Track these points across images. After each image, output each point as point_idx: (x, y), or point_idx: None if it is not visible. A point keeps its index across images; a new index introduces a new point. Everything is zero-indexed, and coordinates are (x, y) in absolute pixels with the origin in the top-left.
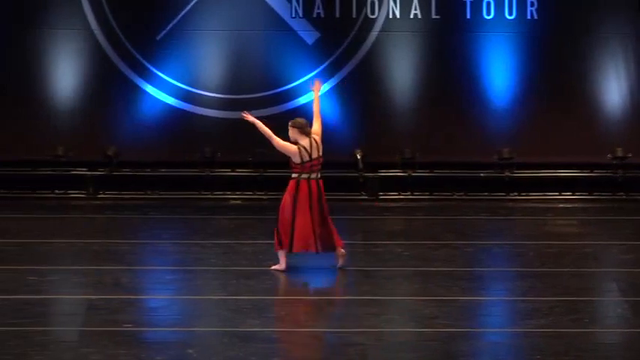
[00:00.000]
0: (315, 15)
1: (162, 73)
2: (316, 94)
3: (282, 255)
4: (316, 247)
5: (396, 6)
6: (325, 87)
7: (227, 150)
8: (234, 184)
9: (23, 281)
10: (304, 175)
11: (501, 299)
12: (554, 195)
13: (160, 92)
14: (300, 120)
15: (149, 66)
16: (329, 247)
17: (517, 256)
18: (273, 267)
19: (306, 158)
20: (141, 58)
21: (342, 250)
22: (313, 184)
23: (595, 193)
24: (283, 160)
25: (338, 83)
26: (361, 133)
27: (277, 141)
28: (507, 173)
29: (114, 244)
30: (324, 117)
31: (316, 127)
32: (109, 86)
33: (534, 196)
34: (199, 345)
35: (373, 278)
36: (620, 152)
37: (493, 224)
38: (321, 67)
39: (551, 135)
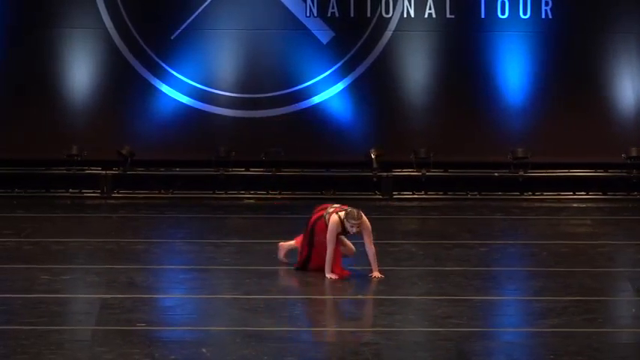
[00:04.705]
0: (329, 14)
1: (177, 72)
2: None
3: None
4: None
5: (410, 5)
6: (340, 86)
7: (241, 149)
8: (248, 183)
9: (37, 280)
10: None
11: (515, 299)
12: (568, 195)
13: (174, 91)
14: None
15: (164, 65)
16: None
17: (531, 256)
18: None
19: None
20: (155, 57)
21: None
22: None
23: (609, 193)
24: (297, 159)
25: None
26: (375, 132)
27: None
28: (521, 173)
29: (128, 244)
30: (339, 116)
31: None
32: (124, 85)
33: (548, 195)
34: (213, 344)
35: (387, 277)
36: (634, 152)
37: (507, 224)
38: (336, 66)
39: (565, 135)
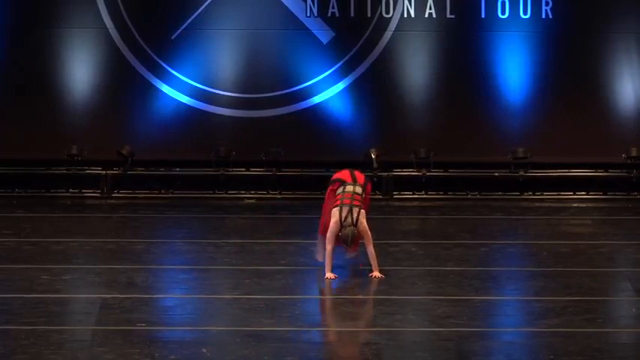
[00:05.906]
0: (329, 14)
1: (177, 72)
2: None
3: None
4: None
5: (410, 5)
6: (340, 86)
7: (241, 149)
8: (249, 183)
9: (37, 280)
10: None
11: (515, 299)
12: (568, 195)
13: (174, 91)
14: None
15: (164, 65)
16: None
17: (531, 256)
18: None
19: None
20: (156, 57)
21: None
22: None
23: (609, 193)
24: (297, 159)
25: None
26: (376, 132)
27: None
28: (521, 173)
29: (128, 244)
30: (339, 116)
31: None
32: (124, 85)
33: (548, 195)
34: (213, 344)
35: (387, 277)
36: (634, 152)
37: (507, 224)
38: (336, 66)
39: (565, 134)
